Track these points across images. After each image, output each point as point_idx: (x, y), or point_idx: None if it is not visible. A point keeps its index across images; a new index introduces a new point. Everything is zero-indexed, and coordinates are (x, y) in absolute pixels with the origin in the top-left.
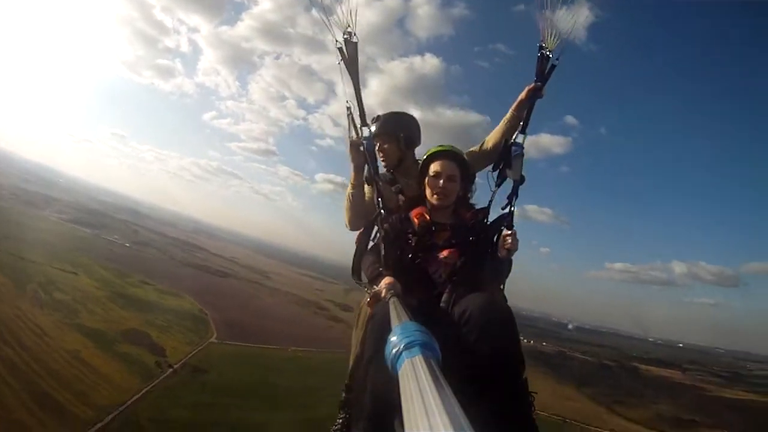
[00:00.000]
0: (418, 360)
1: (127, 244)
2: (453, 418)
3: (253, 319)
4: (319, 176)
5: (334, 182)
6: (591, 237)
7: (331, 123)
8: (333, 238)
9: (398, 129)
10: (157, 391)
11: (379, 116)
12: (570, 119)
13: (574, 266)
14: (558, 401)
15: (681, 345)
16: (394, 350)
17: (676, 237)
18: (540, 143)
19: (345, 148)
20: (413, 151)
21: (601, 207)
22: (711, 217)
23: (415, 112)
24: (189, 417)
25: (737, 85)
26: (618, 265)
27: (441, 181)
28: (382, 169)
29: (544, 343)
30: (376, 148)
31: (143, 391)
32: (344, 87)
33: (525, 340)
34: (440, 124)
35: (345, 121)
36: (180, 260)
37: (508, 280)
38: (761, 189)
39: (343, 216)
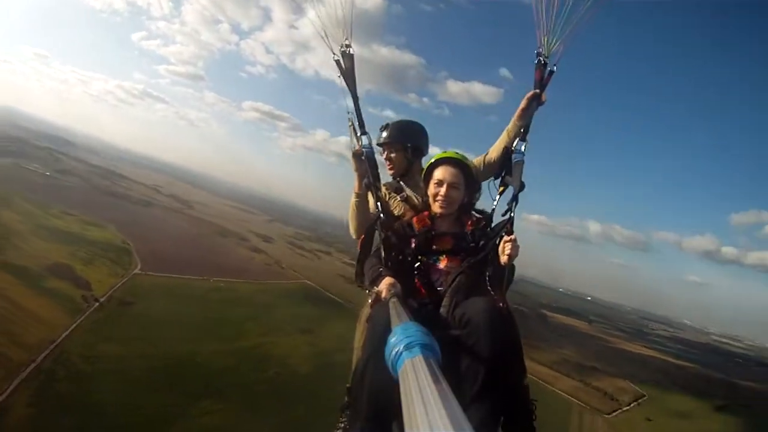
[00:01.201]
0: (418, 360)
1: (48, 173)
2: (453, 418)
3: (176, 250)
4: (246, 104)
5: (260, 110)
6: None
7: (264, 50)
8: (257, 169)
9: (406, 138)
10: (85, 326)
11: (387, 124)
12: (504, 72)
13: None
14: None
15: (589, 298)
16: (394, 350)
17: (595, 198)
18: (472, 91)
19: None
20: (420, 159)
21: (531, 159)
22: (629, 184)
23: None
24: (119, 351)
25: (658, 57)
26: (535, 217)
27: (443, 189)
28: (389, 178)
29: None
30: (384, 156)
31: (71, 327)
32: (345, 97)
33: None
34: (374, 61)
35: (279, 49)
36: (103, 189)
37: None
38: (675, 165)
39: (349, 224)
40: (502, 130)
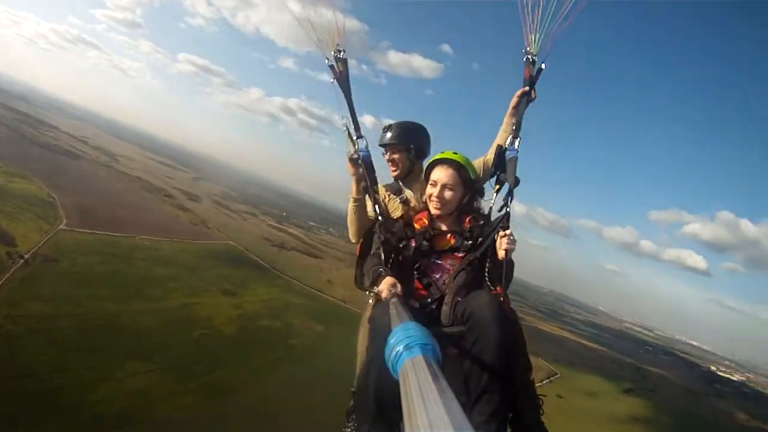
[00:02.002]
0: (418, 360)
1: None
2: (454, 418)
3: (102, 205)
4: (182, 56)
5: (196, 64)
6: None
7: (205, 2)
8: (187, 124)
9: (409, 140)
10: (11, 284)
11: (390, 125)
12: (446, 48)
13: None
14: None
15: None
16: (394, 351)
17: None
18: (412, 63)
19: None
20: (422, 160)
21: (455, 135)
22: (556, 168)
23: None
24: (46, 311)
25: (600, 46)
26: None
27: (437, 190)
28: (390, 180)
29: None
30: (387, 157)
31: None
32: (338, 102)
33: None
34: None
35: (221, 2)
36: (30, 138)
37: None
38: (602, 156)
39: (348, 229)
40: (439, 105)
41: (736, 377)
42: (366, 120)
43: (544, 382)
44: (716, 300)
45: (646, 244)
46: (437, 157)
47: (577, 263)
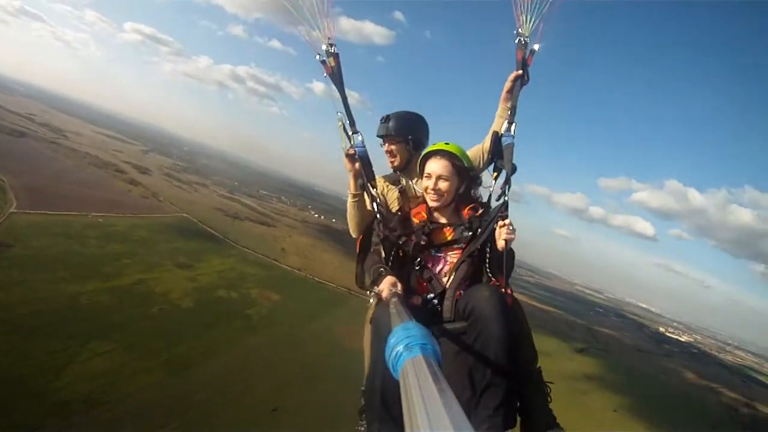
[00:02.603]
0: (418, 360)
1: None
2: (454, 418)
3: (51, 184)
4: (128, 25)
5: (142, 33)
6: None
7: None
8: (134, 95)
9: (408, 131)
10: None
11: (388, 116)
12: (398, 15)
13: (376, 151)
14: (345, 274)
15: None
16: (394, 351)
17: (466, 144)
18: (363, 30)
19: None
20: (421, 151)
21: (405, 101)
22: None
23: None
24: (2, 299)
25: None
26: None
27: (432, 182)
28: (388, 170)
29: (333, 220)
30: (385, 148)
31: None
32: (333, 98)
33: (318, 216)
34: None
35: None
36: None
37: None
38: (552, 121)
39: (348, 225)
40: (390, 72)
41: (684, 338)
42: (315, 86)
43: None
44: (664, 265)
45: (596, 210)
46: (430, 149)
47: (529, 228)
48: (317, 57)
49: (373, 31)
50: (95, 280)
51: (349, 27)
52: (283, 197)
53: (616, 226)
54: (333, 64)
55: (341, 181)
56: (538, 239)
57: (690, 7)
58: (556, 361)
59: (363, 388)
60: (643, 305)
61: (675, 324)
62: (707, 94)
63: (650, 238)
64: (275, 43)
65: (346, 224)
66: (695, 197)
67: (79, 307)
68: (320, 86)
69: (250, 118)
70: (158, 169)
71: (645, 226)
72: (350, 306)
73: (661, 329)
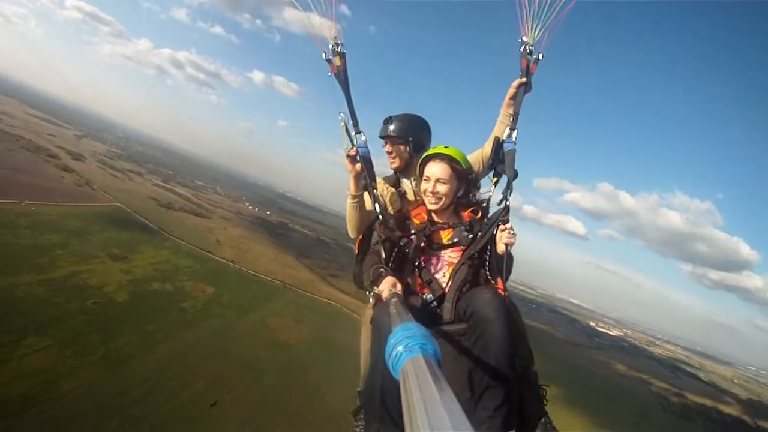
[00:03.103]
0: (418, 360)
1: None
2: (453, 418)
3: None
4: (69, 2)
5: (83, 11)
6: (330, 119)
7: None
8: (69, 76)
9: (409, 133)
10: None
11: (390, 118)
12: (344, 9)
13: (311, 145)
14: (279, 267)
15: None
16: (394, 351)
17: None
18: (309, 21)
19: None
20: (421, 153)
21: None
22: (439, 130)
23: None
24: None
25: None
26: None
27: (431, 185)
28: (389, 172)
29: (268, 212)
30: (386, 149)
31: None
32: (336, 98)
33: (252, 208)
34: None
35: None
36: None
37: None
38: (486, 120)
39: (347, 226)
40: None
41: (614, 332)
42: (255, 76)
43: None
44: (595, 263)
45: (529, 209)
46: (429, 152)
47: None
48: (323, 56)
49: (317, 23)
50: (30, 272)
51: (294, 17)
52: (218, 188)
53: (548, 224)
54: (339, 63)
55: (275, 172)
56: None
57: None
58: None
59: (359, 389)
60: (575, 301)
61: (606, 319)
62: (644, 101)
63: (582, 237)
64: (218, 29)
65: (280, 217)
66: (627, 199)
67: (14, 301)
68: (260, 76)
69: (188, 105)
70: (92, 156)
71: (577, 226)
72: (285, 299)
73: (593, 324)
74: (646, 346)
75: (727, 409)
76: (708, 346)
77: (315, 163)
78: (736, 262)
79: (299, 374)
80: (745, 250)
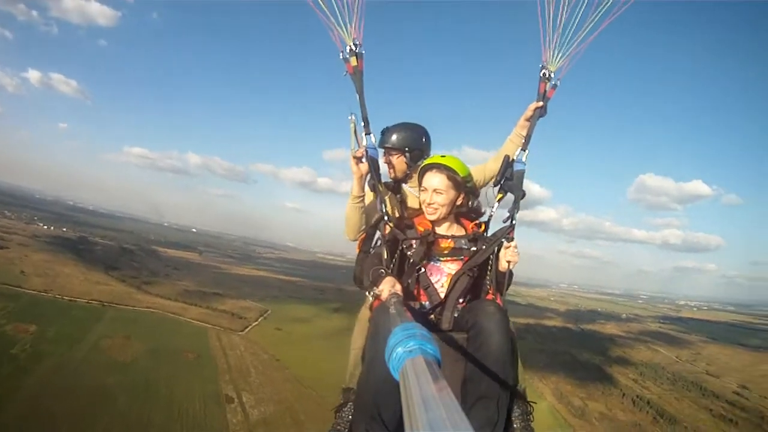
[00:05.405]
0: (418, 361)
1: None
2: (454, 418)
3: None
4: None
5: None
6: (112, 117)
7: None
8: None
9: (408, 143)
10: None
11: (388, 128)
12: None
13: (92, 146)
14: (92, 287)
15: (195, 230)
16: (394, 351)
17: (192, 130)
18: (88, 10)
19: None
20: (419, 163)
21: (131, 93)
22: (223, 116)
23: None
24: None
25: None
26: (137, 150)
27: (429, 195)
28: (386, 178)
29: (64, 229)
30: (384, 160)
31: None
32: (347, 97)
33: (47, 227)
34: None
35: None
36: None
37: None
38: (271, 99)
39: (344, 227)
40: (113, 55)
41: None
42: (31, 75)
43: (259, 320)
44: None
45: (324, 181)
46: (426, 162)
47: (260, 205)
48: (340, 55)
49: (97, 10)
50: None
51: (72, 6)
52: (6, 211)
53: (344, 192)
54: (356, 63)
55: (65, 184)
56: (271, 215)
57: None
58: (316, 324)
59: (344, 386)
60: None
61: None
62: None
63: None
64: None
65: (78, 231)
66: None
67: None
68: (36, 75)
69: None
70: None
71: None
72: (108, 318)
73: None
74: None
75: (550, 323)
76: (517, 275)
77: (101, 167)
78: (530, 200)
79: (149, 391)
80: (536, 189)
